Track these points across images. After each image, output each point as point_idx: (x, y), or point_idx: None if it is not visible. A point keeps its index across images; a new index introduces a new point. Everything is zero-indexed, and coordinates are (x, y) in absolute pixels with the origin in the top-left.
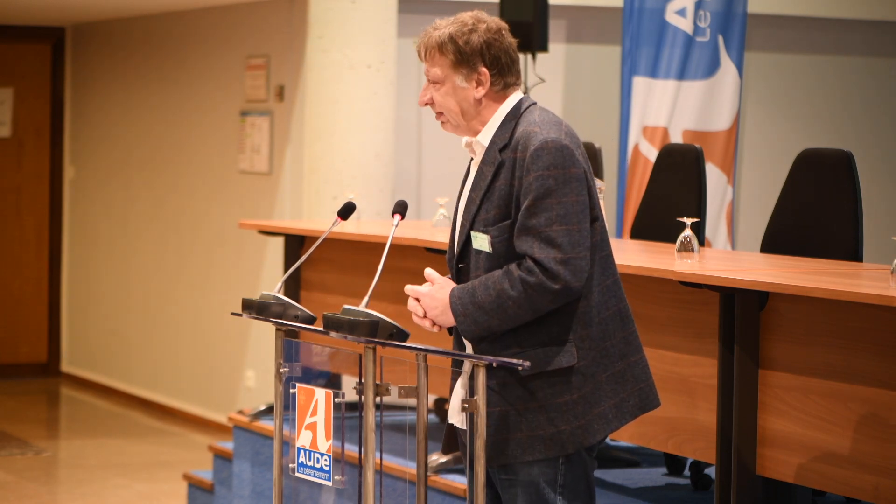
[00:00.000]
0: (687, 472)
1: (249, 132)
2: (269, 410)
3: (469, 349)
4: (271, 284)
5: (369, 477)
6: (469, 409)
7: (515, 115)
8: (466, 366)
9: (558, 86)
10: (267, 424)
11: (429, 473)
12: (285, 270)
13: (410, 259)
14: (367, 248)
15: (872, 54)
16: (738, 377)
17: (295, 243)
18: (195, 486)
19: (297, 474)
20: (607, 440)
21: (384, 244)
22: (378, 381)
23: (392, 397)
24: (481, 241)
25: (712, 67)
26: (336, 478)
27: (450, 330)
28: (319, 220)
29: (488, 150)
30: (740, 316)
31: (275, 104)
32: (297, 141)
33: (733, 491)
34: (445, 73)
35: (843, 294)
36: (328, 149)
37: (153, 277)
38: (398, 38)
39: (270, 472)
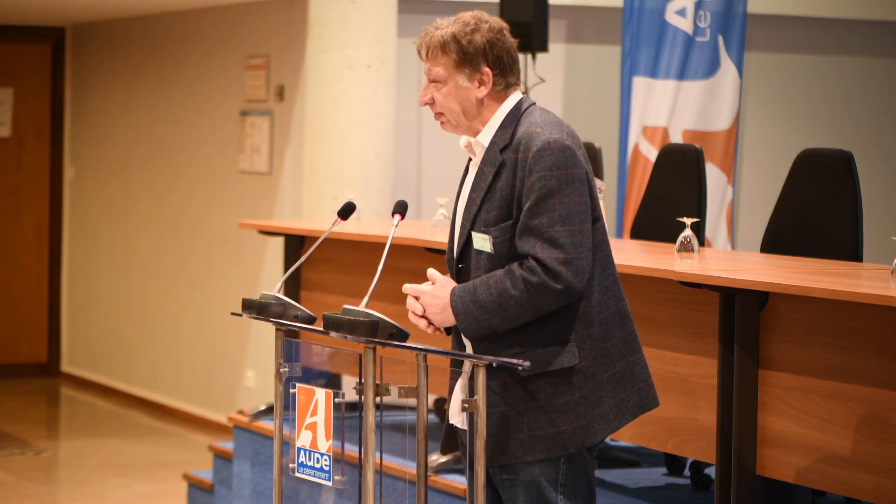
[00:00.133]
0: (687, 472)
1: (249, 132)
2: (269, 410)
3: (469, 349)
4: (271, 284)
5: (369, 477)
6: (469, 409)
7: (516, 115)
8: (466, 366)
9: (558, 86)
10: (267, 424)
11: (429, 473)
12: (285, 270)
13: (410, 259)
14: (367, 248)
15: (872, 54)
16: (738, 377)
17: (295, 243)
18: (195, 486)
19: (297, 474)
20: (607, 440)
21: (384, 244)
22: (378, 381)
23: (392, 397)
24: (482, 242)
25: (712, 67)
26: (336, 478)
27: (448, 330)
28: (319, 220)
29: (488, 150)
30: (740, 316)
31: (275, 104)
32: (297, 141)
33: (733, 491)
34: (448, 73)
35: (843, 294)
36: (328, 149)
37: (153, 277)
38: (398, 38)
39: (270, 472)
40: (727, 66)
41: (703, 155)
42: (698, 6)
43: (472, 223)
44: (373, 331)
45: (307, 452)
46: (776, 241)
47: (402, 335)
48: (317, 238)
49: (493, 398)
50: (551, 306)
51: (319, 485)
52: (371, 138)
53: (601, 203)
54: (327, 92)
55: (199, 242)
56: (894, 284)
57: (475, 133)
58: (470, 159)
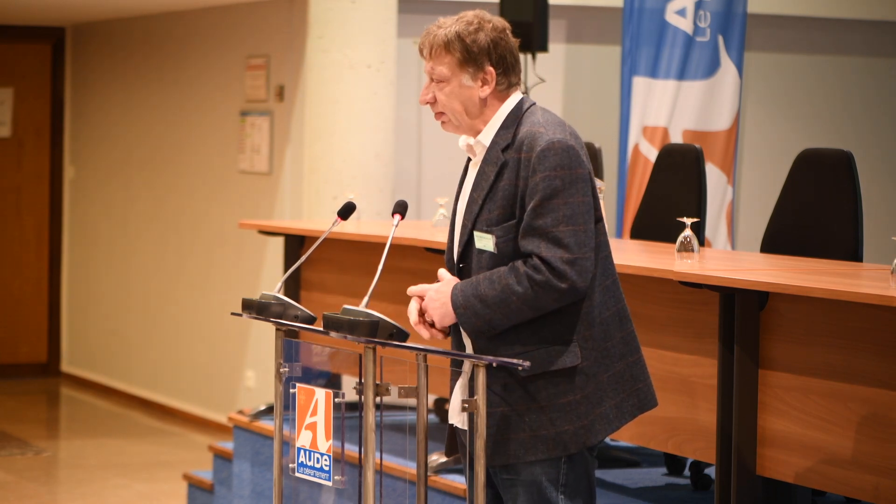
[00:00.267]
0: (687, 472)
1: (249, 132)
2: (269, 410)
3: (469, 349)
4: (271, 284)
5: (369, 477)
6: (469, 409)
7: (517, 115)
8: (467, 366)
9: (558, 86)
10: (267, 424)
11: (429, 473)
12: (285, 270)
13: (410, 259)
14: (367, 248)
15: (872, 54)
16: (738, 377)
17: (295, 243)
18: (195, 486)
19: (297, 474)
20: (607, 440)
21: (384, 244)
22: (378, 381)
23: (392, 397)
24: (485, 241)
25: (712, 67)
26: (336, 478)
27: (447, 333)
28: (319, 220)
29: (490, 149)
30: (740, 316)
31: (275, 104)
32: (297, 141)
33: (733, 491)
34: (451, 72)
35: (843, 294)
36: (328, 149)
37: (153, 277)
38: (398, 38)
39: (270, 472)
40: (727, 66)
41: (703, 155)
42: (698, 6)
43: (473, 223)
44: (373, 331)
45: (307, 452)
46: (776, 241)
47: (402, 335)
48: (317, 238)
49: (493, 398)
50: (553, 305)
51: (319, 485)
52: (371, 138)
53: (601, 203)
54: (327, 92)
55: (199, 242)
56: (894, 284)
57: (476, 133)
58: (469, 159)
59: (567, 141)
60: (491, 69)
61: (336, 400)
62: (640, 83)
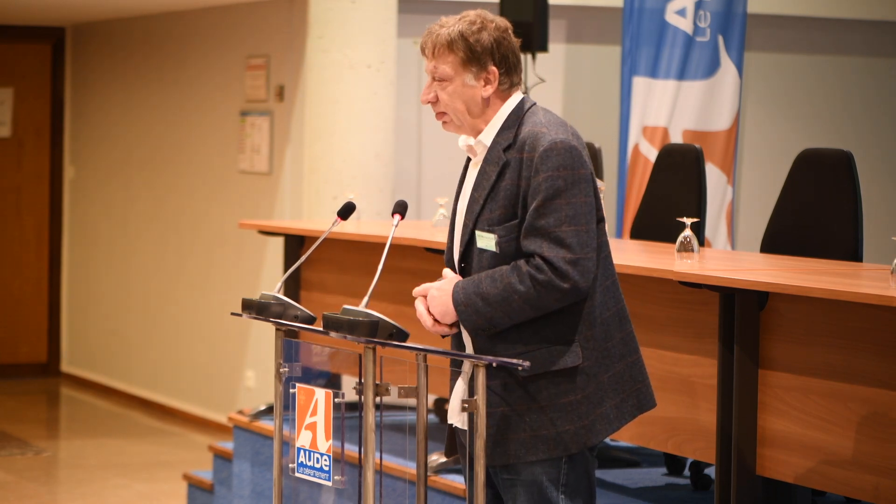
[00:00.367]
0: (687, 472)
1: (249, 132)
2: (269, 410)
3: (469, 349)
4: (271, 284)
5: (369, 477)
6: (469, 409)
7: (519, 114)
8: (466, 366)
9: (558, 86)
10: (267, 424)
11: (429, 473)
12: (285, 270)
13: (410, 259)
14: (367, 248)
15: (872, 54)
16: (738, 377)
17: (295, 243)
18: (195, 486)
19: (297, 474)
20: (607, 440)
21: (384, 244)
22: (378, 381)
23: (392, 397)
24: (487, 241)
25: (712, 67)
26: (336, 478)
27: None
28: (319, 220)
29: (491, 149)
30: (740, 316)
31: (275, 104)
32: (297, 141)
33: (733, 491)
34: (454, 71)
35: (843, 294)
36: (328, 149)
37: (153, 277)
38: (398, 38)
39: (270, 472)
40: (727, 66)
41: (703, 155)
42: (698, 6)
43: (474, 222)
44: (373, 331)
45: (307, 452)
46: (776, 241)
47: (402, 335)
48: (317, 238)
49: (494, 398)
50: (555, 305)
51: (319, 485)
52: (371, 138)
53: (602, 203)
54: (327, 92)
55: (199, 242)
56: (894, 284)
57: (477, 132)
58: (468, 159)
59: (570, 141)
60: (494, 69)
61: (336, 400)
62: (640, 83)
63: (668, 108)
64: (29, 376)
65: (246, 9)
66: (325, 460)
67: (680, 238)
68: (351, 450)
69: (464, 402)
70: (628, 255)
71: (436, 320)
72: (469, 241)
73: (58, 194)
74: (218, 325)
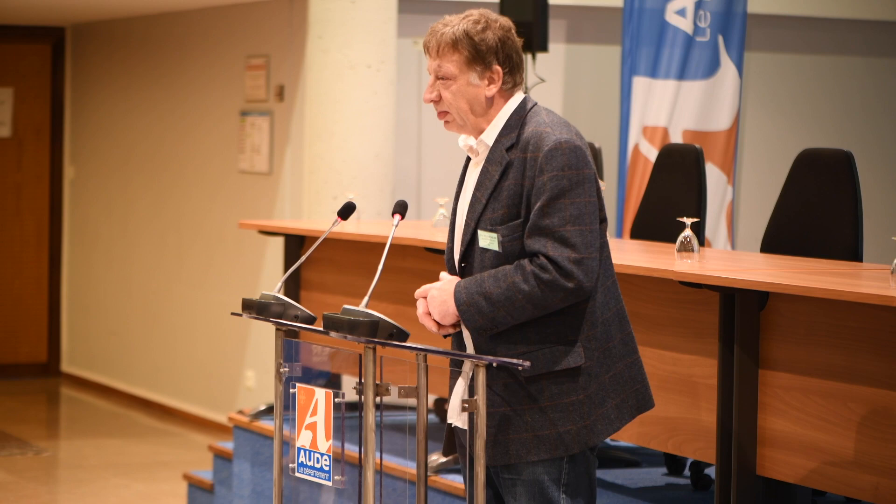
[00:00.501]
0: (687, 472)
1: (249, 132)
2: (269, 410)
3: (470, 349)
4: (271, 284)
5: (369, 477)
6: (469, 409)
7: (521, 114)
8: (467, 366)
9: (558, 86)
10: (267, 424)
11: (429, 473)
12: (285, 270)
13: (410, 259)
14: (367, 248)
15: (872, 54)
16: (738, 377)
17: (295, 243)
18: (195, 486)
19: (297, 474)
20: (607, 440)
21: (384, 244)
22: (378, 381)
23: (392, 397)
24: (489, 240)
25: (712, 67)
26: (336, 478)
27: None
28: (319, 220)
29: (493, 149)
30: (740, 316)
31: (275, 104)
32: (297, 141)
33: (733, 491)
34: (459, 70)
35: (843, 294)
36: (328, 149)
37: (153, 277)
38: (398, 38)
39: (270, 472)
40: (727, 66)
41: (703, 155)
42: (698, 6)
43: (476, 222)
44: (373, 331)
45: (307, 452)
46: (776, 241)
47: (402, 335)
48: (317, 238)
49: (495, 398)
50: (558, 305)
51: (319, 485)
52: (371, 138)
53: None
54: (327, 92)
55: (198, 242)
56: (894, 284)
57: (480, 132)
58: (468, 159)
59: (574, 141)
60: (498, 68)
61: (336, 400)
62: (640, 83)
63: (668, 108)
64: (29, 376)
65: (246, 9)
66: (326, 460)
67: (680, 238)
68: (351, 450)
69: (464, 402)
70: (628, 255)
71: (436, 321)
72: (471, 241)
73: (58, 194)
74: (218, 325)
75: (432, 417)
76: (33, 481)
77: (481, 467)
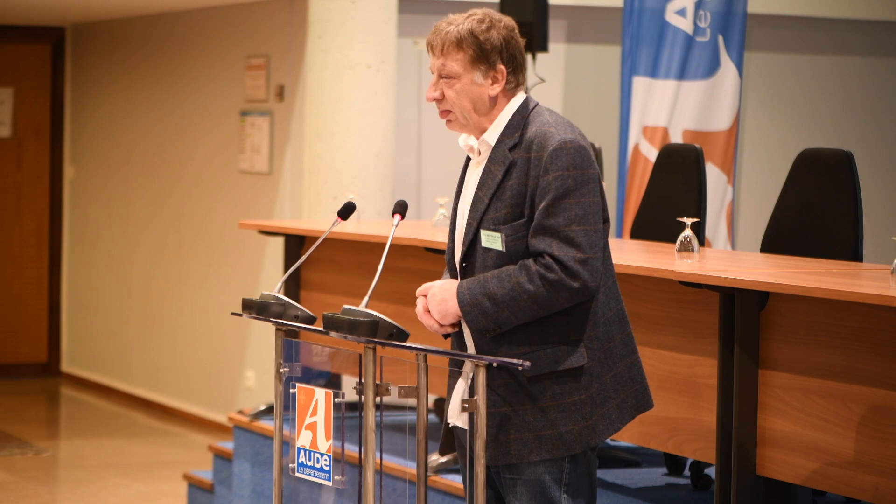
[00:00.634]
0: (687, 472)
1: (249, 132)
2: (269, 410)
3: (471, 349)
4: (271, 284)
5: (369, 477)
6: (469, 409)
7: (523, 114)
8: (468, 366)
9: (558, 86)
10: (267, 424)
11: (429, 473)
12: (285, 270)
13: (410, 259)
14: (367, 248)
15: (872, 54)
16: (738, 377)
17: (295, 243)
18: (195, 486)
19: (297, 474)
20: (607, 440)
21: (384, 244)
22: (378, 381)
23: (392, 397)
24: (493, 240)
25: (712, 67)
26: (336, 478)
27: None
28: (319, 220)
29: (496, 148)
30: (740, 316)
31: (275, 104)
32: (297, 141)
33: (733, 491)
34: (463, 69)
35: (843, 294)
36: (328, 149)
37: (153, 277)
38: (398, 38)
39: (270, 472)
40: (727, 66)
41: (703, 155)
42: (698, 6)
43: (479, 221)
44: (373, 331)
45: (307, 452)
46: (776, 241)
47: (402, 335)
48: (317, 238)
49: (497, 398)
50: (563, 304)
51: (319, 485)
52: (371, 138)
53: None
54: (327, 92)
55: (198, 242)
56: (894, 284)
57: (482, 131)
58: (468, 159)
59: (578, 141)
60: (502, 67)
61: (336, 400)
62: (640, 83)
63: (668, 108)
64: (29, 376)
65: (246, 9)
66: (326, 460)
67: (680, 238)
68: (351, 450)
69: (464, 402)
70: (628, 255)
71: (440, 324)
72: (473, 241)
73: (58, 194)
74: (218, 325)
75: (432, 417)
76: (33, 481)
77: (481, 467)
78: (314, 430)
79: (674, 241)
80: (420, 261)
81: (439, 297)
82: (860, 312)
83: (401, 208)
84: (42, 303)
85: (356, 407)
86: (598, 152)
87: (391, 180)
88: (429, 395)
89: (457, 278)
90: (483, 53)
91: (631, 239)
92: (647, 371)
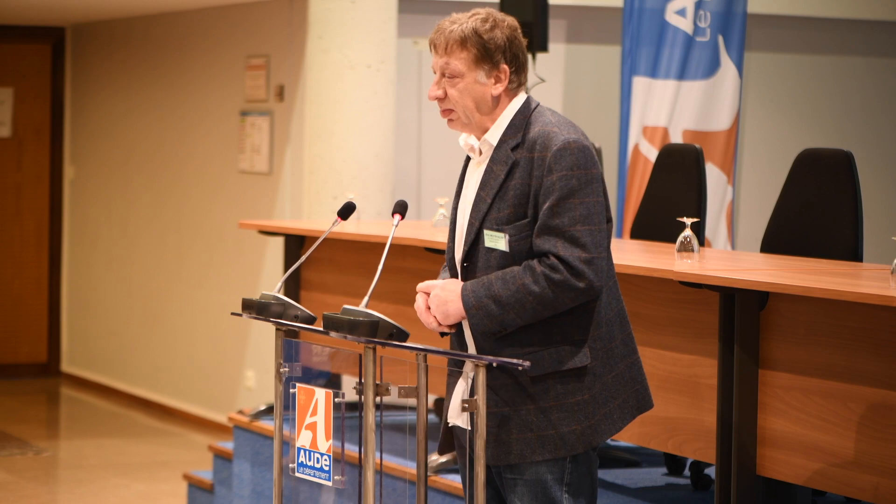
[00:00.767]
0: (687, 472)
1: (249, 132)
2: (269, 410)
3: (471, 349)
4: (271, 284)
5: (369, 477)
6: (469, 409)
7: (525, 114)
8: (469, 367)
9: (558, 86)
10: (267, 424)
11: (429, 473)
12: (285, 270)
13: (410, 259)
14: (367, 248)
15: (872, 54)
16: (738, 377)
17: (295, 243)
18: (195, 486)
19: (297, 474)
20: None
21: (384, 244)
22: (378, 381)
23: (392, 397)
24: (496, 240)
25: (712, 67)
26: (336, 478)
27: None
28: (319, 220)
29: (498, 148)
30: (740, 316)
31: (275, 104)
32: (297, 141)
33: (733, 491)
34: (467, 68)
35: (843, 294)
36: (328, 149)
37: (153, 277)
38: (398, 38)
39: (270, 472)
40: (727, 66)
41: (703, 155)
42: (698, 6)
43: (481, 221)
44: (373, 331)
45: (307, 452)
46: (776, 241)
47: (402, 335)
48: (317, 238)
49: (500, 398)
50: (569, 305)
51: (319, 485)
52: (371, 138)
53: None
54: (327, 92)
55: (198, 242)
56: (894, 284)
57: (484, 130)
58: (467, 158)
59: (582, 141)
60: (505, 67)
61: (336, 400)
62: (640, 83)
63: (668, 108)
64: (29, 376)
65: (246, 9)
66: (325, 460)
67: (680, 238)
68: (351, 450)
69: (464, 402)
70: (628, 255)
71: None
72: (474, 241)
73: (58, 194)
74: (218, 325)
75: (432, 417)
76: (33, 481)
77: (481, 467)
78: (314, 430)
79: (674, 241)
80: (420, 261)
81: (442, 299)
82: (860, 312)
83: (401, 208)
84: (42, 303)
85: (356, 407)
86: (598, 152)
87: (391, 180)
88: (429, 395)
89: (457, 278)
90: (487, 53)
91: (631, 239)
92: (647, 371)
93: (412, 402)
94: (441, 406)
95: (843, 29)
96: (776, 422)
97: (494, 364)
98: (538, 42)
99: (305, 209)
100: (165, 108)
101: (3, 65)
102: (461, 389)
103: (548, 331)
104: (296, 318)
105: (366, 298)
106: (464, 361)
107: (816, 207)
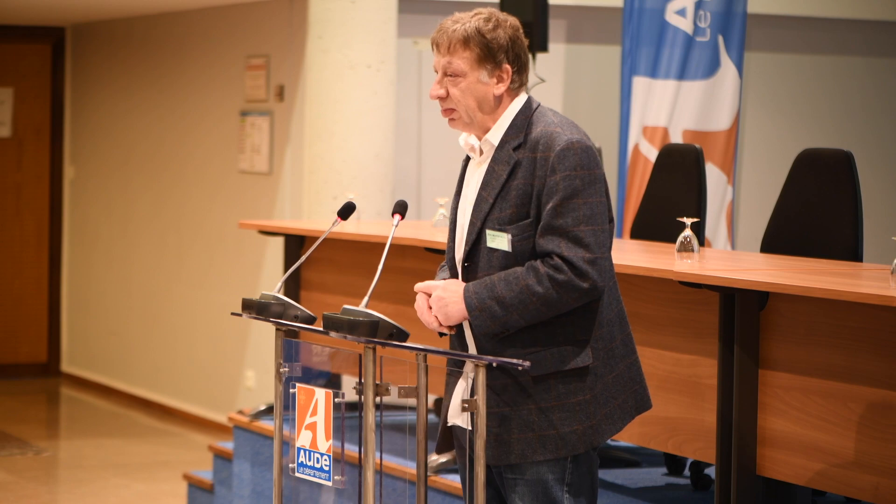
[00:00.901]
0: (687, 472)
1: (249, 132)
2: (269, 410)
3: (471, 349)
4: (271, 284)
5: (369, 477)
6: (469, 409)
7: (526, 114)
8: (470, 367)
9: (558, 86)
10: (267, 424)
11: (429, 473)
12: (285, 270)
13: (410, 259)
14: (367, 248)
15: (872, 54)
16: (738, 377)
17: (295, 243)
18: (195, 486)
19: (297, 474)
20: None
21: (384, 244)
22: (378, 381)
23: (392, 397)
24: (499, 240)
25: (712, 67)
26: (336, 478)
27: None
28: (319, 220)
29: (499, 148)
30: (740, 316)
31: (275, 104)
32: (297, 141)
33: (733, 491)
34: (469, 67)
35: (843, 294)
36: (328, 149)
37: (153, 277)
38: (398, 38)
39: (270, 472)
40: (727, 66)
41: (703, 155)
42: (698, 6)
43: (483, 221)
44: (373, 331)
45: (307, 452)
46: (776, 241)
47: (402, 335)
48: (317, 238)
49: (501, 398)
50: (572, 305)
51: (319, 485)
52: (371, 138)
53: None
54: (327, 92)
55: (198, 242)
56: (894, 284)
57: (485, 130)
58: (467, 158)
59: (585, 141)
60: (508, 67)
61: (336, 400)
62: (640, 83)
63: (668, 108)
64: (29, 376)
65: (246, 9)
66: (325, 460)
67: (680, 238)
68: (351, 450)
69: (464, 402)
70: (628, 255)
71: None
72: (476, 241)
73: (58, 194)
74: (218, 325)
75: (432, 417)
76: (33, 481)
77: (481, 467)
78: (314, 430)
79: (674, 241)
80: (420, 261)
81: (444, 300)
82: (860, 312)
83: (401, 208)
84: (42, 303)
85: (356, 407)
86: (598, 152)
87: (391, 180)
88: (429, 395)
89: (457, 278)
90: (489, 52)
91: (631, 239)
92: (646, 371)
93: (412, 402)
94: (440, 405)
95: (843, 29)
96: (776, 422)
97: (494, 364)
98: (538, 42)
99: (305, 209)
100: (165, 108)
101: (3, 65)
102: (461, 389)
103: (551, 331)
104: (296, 318)
105: (366, 298)
106: (464, 361)
107: (816, 207)
